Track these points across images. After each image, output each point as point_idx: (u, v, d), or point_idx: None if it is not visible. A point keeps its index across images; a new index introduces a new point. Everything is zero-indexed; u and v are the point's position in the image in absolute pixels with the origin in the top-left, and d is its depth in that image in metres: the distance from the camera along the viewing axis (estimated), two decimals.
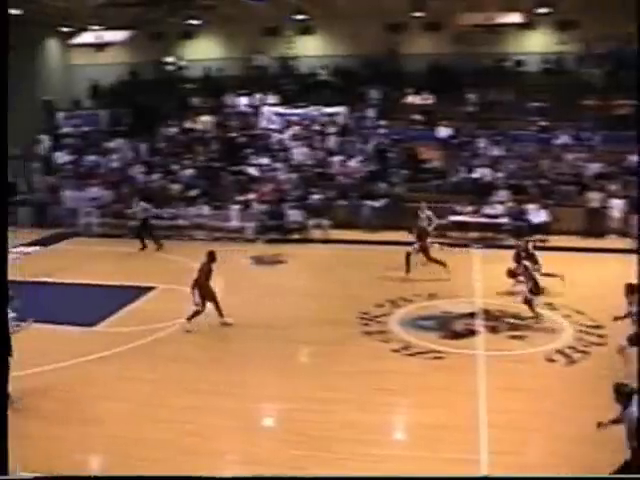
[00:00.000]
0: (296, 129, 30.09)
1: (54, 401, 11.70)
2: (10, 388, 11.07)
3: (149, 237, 23.02)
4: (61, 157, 29.80)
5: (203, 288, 15.03)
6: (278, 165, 27.92)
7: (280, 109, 31.08)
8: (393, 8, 29.86)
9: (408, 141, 28.64)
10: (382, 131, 29.14)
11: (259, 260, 21.63)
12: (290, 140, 29.55)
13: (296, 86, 32.67)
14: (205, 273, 15.10)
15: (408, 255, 18.68)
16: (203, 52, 34.90)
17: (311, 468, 9.41)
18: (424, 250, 18.77)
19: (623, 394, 8.24)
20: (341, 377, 12.50)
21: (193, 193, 26.53)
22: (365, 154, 27.93)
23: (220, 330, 15.23)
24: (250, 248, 23.07)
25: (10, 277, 19.21)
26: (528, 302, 15.14)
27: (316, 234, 24.22)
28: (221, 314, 15.24)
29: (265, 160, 28.26)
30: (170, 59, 35.00)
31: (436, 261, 18.73)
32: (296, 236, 24.34)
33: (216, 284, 17.59)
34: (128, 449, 10.02)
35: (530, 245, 17.37)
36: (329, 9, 30.66)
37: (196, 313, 15.04)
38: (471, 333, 14.72)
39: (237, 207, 25.02)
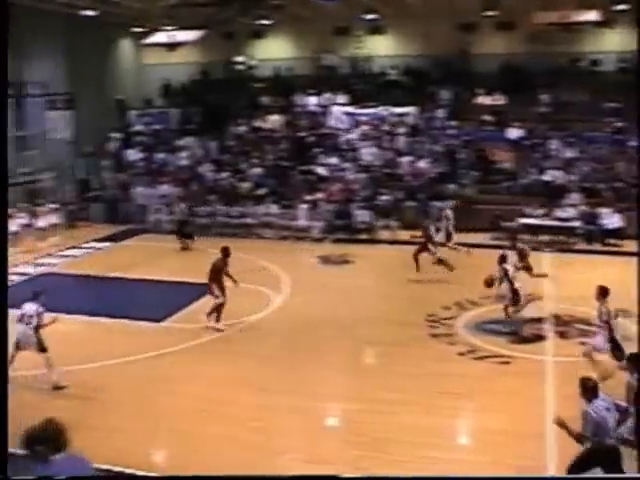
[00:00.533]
0: (365, 129, 29.95)
1: (120, 394, 11.89)
2: (55, 376, 11.75)
3: (181, 236, 23.41)
4: (132, 155, 30.35)
5: (217, 282, 15.05)
6: (347, 165, 27.88)
7: (349, 109, 30.93)
8: (465, 7, 29.55)
9: (478, 142, 28.22)
10: (452, 132, 28.80)
11: (326, 259, 21.63)
12: (359, 140, 29.45)
13: (366, 86, 32.52)
14: (219, 269, 15.12)
15: (439, 260, 18.87)
16: (273, 52, 35.01)
17: (373, 469, 9.34)
18: (421, 249, 18.97)
19: (588, 389, 8.14)
20: (406, 379, 12.37)
21: (261, 192, 26.73)
22: (435, 155, 27.65)
23: (285, 328, 15.33)
24: (317, 247, 23.12)
25: (81, 272, 19.79)
26: (505, 308, 14.76)
27: (384, 235, 24.11)
28: (210, 314, 15.22)
29: (334, 160, 28.25)
30: (240, 58, 35.22)
31: (416, 262, 18.90)
32: (364, 236, 24.29)
33: (283, 282, 17.67)
34: (191, 444, 10.08)
35: (527, 248, 16.67)
36: (400, 8, 30.40)
37: (220, 307, 15.05)
38: (539, 338, 14.42)
39: (305, 206, 25.10)
